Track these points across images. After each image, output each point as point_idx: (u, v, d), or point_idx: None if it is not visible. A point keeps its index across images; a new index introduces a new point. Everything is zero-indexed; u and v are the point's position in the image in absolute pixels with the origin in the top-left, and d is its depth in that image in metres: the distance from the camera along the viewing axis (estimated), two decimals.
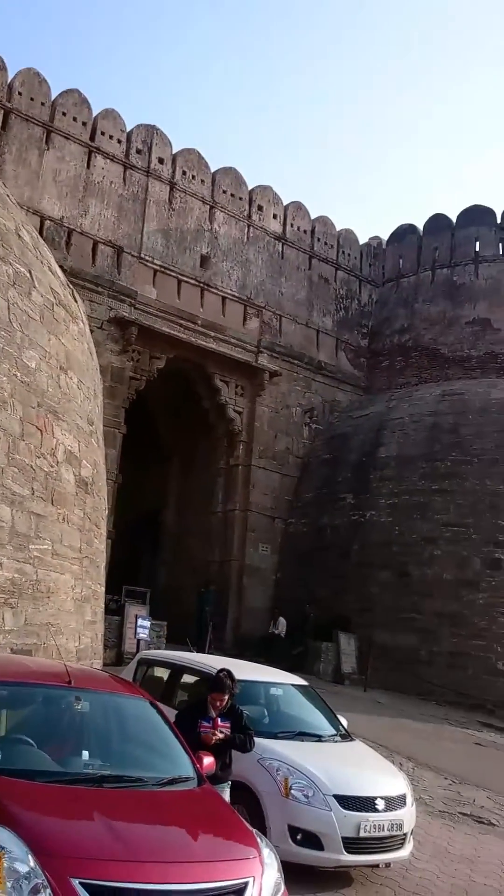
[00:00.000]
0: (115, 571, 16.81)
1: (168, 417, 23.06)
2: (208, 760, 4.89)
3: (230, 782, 5.71)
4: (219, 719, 5.62)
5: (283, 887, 3.89)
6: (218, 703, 5.65)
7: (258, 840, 3.98)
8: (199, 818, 4.05)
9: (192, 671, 7.42)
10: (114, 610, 15.17)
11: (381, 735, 12.12)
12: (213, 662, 7.33)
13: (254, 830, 4.14)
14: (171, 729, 5.00)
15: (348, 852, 6.04)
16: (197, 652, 15.09)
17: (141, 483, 23.96)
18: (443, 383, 21.52)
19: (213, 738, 5.50)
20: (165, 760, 4.70)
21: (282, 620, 18.75)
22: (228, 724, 5.64)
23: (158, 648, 14.54)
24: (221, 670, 6.03)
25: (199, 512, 21.64)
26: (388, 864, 6.58)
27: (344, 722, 7.72)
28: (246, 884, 3.60)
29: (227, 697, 5.69)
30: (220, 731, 5.57)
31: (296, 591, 19.74)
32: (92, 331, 12.61)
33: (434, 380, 22.04)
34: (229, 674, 5.87)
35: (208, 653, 15.81)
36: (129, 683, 6.02)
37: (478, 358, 22.02)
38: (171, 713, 5.72)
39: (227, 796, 5.64)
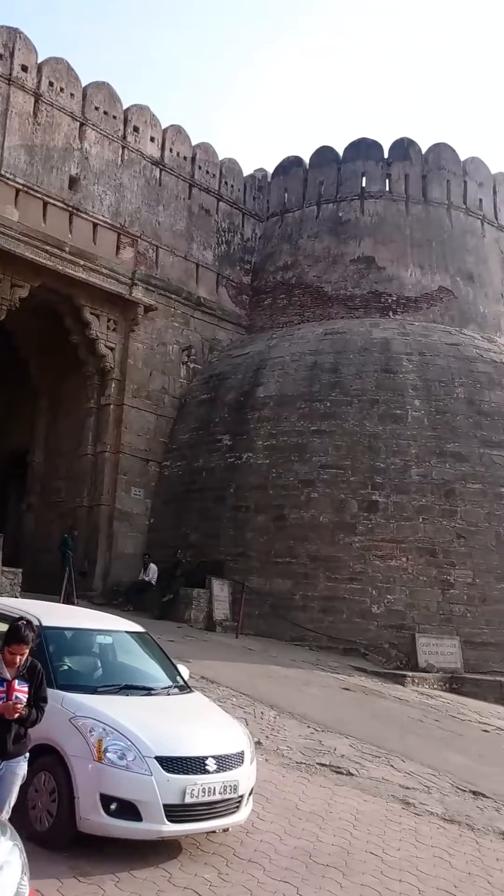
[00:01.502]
0: None
1: (37, 353, 21.52)
2: None
3: (27, 755, 4.75)
4: (16, 682, 4.62)
5: (27, 889, 2.99)
6: (18, 659, 4.64)
7: None
8: None
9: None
10: None
11: (245, 683, 11.48)
12: (27, 608, 6.31)
13: None
14: None
15: (171, 821, 5.24)
16: (63, 602, 14.06)
17: (8, 422, 22.49)
18: (325, 322, 20.78)
19: (14, 711, 4.53)
20: None
21: (152, 567, 17.87)
22: (26, 689, 4.65)
23: (14, 598, 13.40)
24: (20, 618, 5.04)
25: (68, 453, 20.36)
26: (226, 829, 5.83)
27: (184, 672, 6.88)
28: None
29: (26, 652, 4.69)
30: (17, 699, 4.58)
31: (170, 536, 18.86)
32: None
33: (317, 319, 21.27)
34: (29, 623, 4.87)
35: (72, 602, 14.82)
36: None
37: (361, 297, 21.35)
38: None
39: (22, 772, 4.69)
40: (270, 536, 17.50)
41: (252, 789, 5.93)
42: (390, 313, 20.95)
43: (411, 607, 16.53)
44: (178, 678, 6.64)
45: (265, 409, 18.90)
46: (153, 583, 17.74)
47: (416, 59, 67.22)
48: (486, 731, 11.66)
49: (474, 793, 8.48)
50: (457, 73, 68.64)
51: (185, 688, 6.57)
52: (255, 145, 62.43)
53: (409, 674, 14.54)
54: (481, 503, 17.39)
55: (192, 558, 17.91)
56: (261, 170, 24.67)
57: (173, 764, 5.29)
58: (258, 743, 8.62)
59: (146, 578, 17.87)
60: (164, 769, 5.23)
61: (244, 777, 5.68)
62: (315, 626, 16.52)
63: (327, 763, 8.60)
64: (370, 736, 9.98)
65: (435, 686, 14.65)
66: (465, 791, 8.50)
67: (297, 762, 8.40)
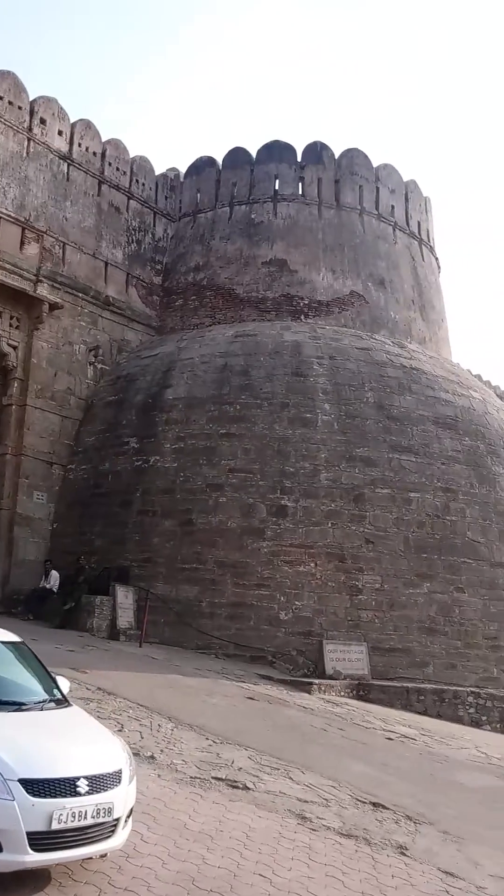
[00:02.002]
0: None
1: None
2: None
3: None
4: None
5: None
6: None
7: None
8: None
9: None
10: None
11: (144, 694, 10.97)
12: None
13: None
14: None
15: (36, 850, 4.70)
16: None
17: None
18: (236, 324, 20.48)
19: None
20: None
21: (54, 574, 17.16)
22: None
23: None
24: None
25: None
26: (103, 855, 5.34)
27: (64, 685, 6.36)
28: None
29: None
30: None
31: (73, 542, 18.19)
32: None
33: (228, 321, 20.95)
34: None
35: None
36: None
37: (273, 300, 21.13)
38: None
39: None
40: (177, 542, 17.03)
41: (132, 810, 5.46)
42: (302, 317, 20.78)
43: (319, 613, 16.30)
44: (56, 691, 6.12)
45: (174, 412, 18.44)
46: (55, 590, 17.03)
47: (332, 65, 68.02)
48: (389, 738, 11.45)
49: (374, 804, 8.19)
50: (369, 81, 69.73)
51: (62, 702, 6.05)
52: (168, 146, 61.99)
53: (316, 681, 14.28)
54: (390, 508, 17.33)
55: (97, 565, 17.27)
56: (173, 169, 24.27)
57: (39, 787, 4.78)
58: (151, 758, 8.18)
59: (47, 586, 17.15)
60: (28, 793, 4.71)
61: (121, 798, 5.21)
62: (222, 633, 16.13)
63: (223, 777, 8.18)
64: (271, 747, 9.61)
65: (342, 693, 14.43)
66: (364, 803, 8.21)
67: (191, 777, 7.95)
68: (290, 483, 17.16)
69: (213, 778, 8.12)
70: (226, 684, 13.03)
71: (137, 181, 22.84)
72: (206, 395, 18.36)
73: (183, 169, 24.21)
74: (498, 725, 14.95)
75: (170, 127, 65.86)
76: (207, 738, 9.59)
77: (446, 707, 14.89)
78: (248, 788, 7.99)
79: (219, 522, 16.92)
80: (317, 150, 22.97)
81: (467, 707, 14.84)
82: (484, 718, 14.90)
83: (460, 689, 15.40)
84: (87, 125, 21.60)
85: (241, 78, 67.48)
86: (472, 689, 15.53)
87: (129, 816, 5.39)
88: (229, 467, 17.36)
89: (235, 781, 8.10)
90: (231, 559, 16.62)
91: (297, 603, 16.30)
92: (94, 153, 21.68)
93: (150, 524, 17.39)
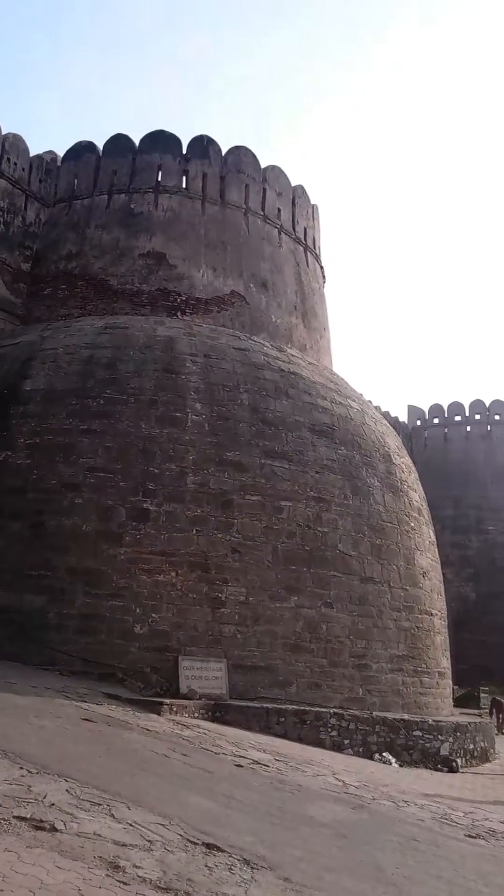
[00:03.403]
0: None
1: None
2: None
3: None
4: None
5: None
6: None
7: None
8: None
9: None
10: None
11: None
12: None
13: None
14: None
15: None
16: None
17: None
18: (107, 317, 19.11)
19: None
20: None
21: None
22: None
23: None
24: None
25: None
26: None
27: None
28: None
29: None
30: None
31: None
32: None
33: (100, 313, 19.54)
34: None
35: None
36: None
37: (149, 293, 19.89)
38: None
39: None
40: (25, 546, 15.43)
41: None
42: (179, 313, 19.62)
43: (178, 627, 15.03)
44: None
45: (31, 404, 16.87)
46: None
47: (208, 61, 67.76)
48: (239, 765, 10.27)
49: (207, 846, 6.97)
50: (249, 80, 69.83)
51: None
52: (48, 130, 59.89)
53: (168, 701, 12.98)
54: (259, 516, 16.30)
55: None
56: (50, 152, 22.78)
57: None
58: None
59: None
60: None
61: None
62: (70, 647, 14.61)
63: (27, 816, 6.78)
64: (97, 777, 8.28)
65: (196, 714, 13.20)
66: (196, 844, 6.98)
67: None
68: (153, 485, 15.88)
69: (14, 818, 6.72)
70: (62, 704, 11.58)
71: (9, 159, 21.22)
72: (68, 388, 16.90)
73: (61, 153, 22.75)
74: (360, 749, 14.05)
75: (51, 111, 63.74)
76: (22, 768, 8.16)
77: (308, 730, 13.88)
78: (56, 830, 6.62)
79: (73, 526, 15.45)
80: (203, 144, 21.99)
81: (329, 730, 13.87)
82: (346, 742, 13.97)
83: (323, 710, 14.43)
84: None
85: (123, 70, 66.25)
86: (335, 710, 14.60)
87: None
88: (88, 466, 15.94)
89: (42, 821, 6.71)
90: (84, 566, 15.16)
91: (153, 615, 14.98)
92: None
93: None
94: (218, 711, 13.60)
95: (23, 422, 16.64)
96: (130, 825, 7.10)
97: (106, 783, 8.13)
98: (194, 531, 15.71)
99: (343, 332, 62.25)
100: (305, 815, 8.62)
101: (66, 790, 7.71)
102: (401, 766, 14.06)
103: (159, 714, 12.40)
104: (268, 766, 10.65)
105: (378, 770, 12.99)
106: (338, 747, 13.81)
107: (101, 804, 7.50)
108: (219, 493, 16.16)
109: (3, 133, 21.16)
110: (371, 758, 13.94)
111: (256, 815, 8.31)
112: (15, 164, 21.40)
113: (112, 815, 7.27)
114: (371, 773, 12.37)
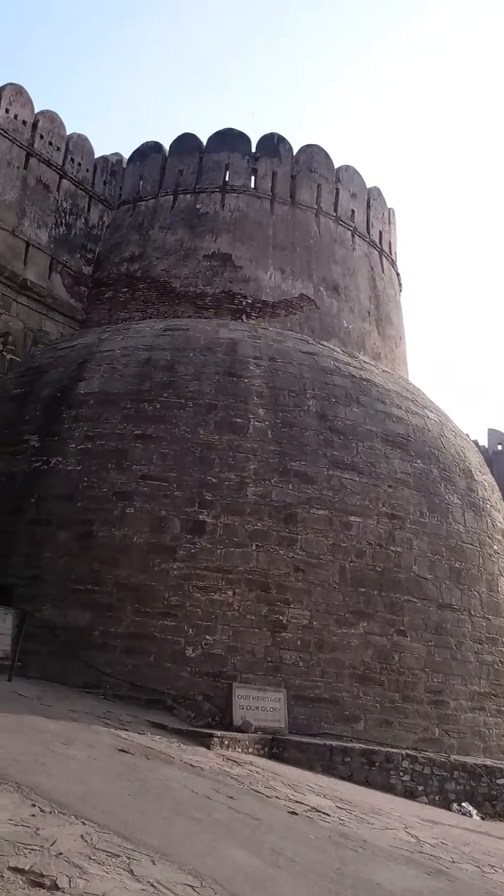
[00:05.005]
0: None
1: None
2: None
3: None
4: None
5: None
6: None
7: None
8: None
9: None
10: None
11: None
12: None
13: None
14: None
15: None
16: None
17: None
18: (168, 319, 18.08)
19: None
20: None
21: None
22: None
23: None
24: None
25: None
26: None
27: None
28: None
29: None
30: None
31: None
32: None
33: (161, 316, 18.55)
34: None
35: None
36: None
37: (213, 296, 18.81)
38: None
39: None
40: (73, 558, 14.31)
41: None
42: (244, 316, 18.46)
43: (234, 651, 13.64)
44: None
45: (84, 408, 15.86)
46: None
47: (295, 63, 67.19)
48: (293, 812, 8.77)
49: None
50: (333, 81, 68.96)
51: None
52: (114, 135, 60.19)
53: (219, 734, 11.56)
54: (326, 532, 14.85)
55: None
56: (116, 154, 22.10)
57: None
58: None
59: None
60: None
61: None
62: (116, 669, 13.36)
63: (27, 868, 5.46)
64: (121, 820, 6.93)
65: (250, 750, 11.76)
66: None
67: None
68: (211, 496, 14.61)
69: (9, 869, 5.42)
70: (98, 731, 10.30)
71: (73, 160, 20.56)
72: (123, 391, 15.84)
73: (127, 155, 22.04)
74: (436, 797, 12.35)
75: (118, 115, 64.04)
76: (34, 805, 6.86)
77: (376, 772, 12.26)
78: (57, 888, 5.27)
79: (123, 537, 14.27)
80: (273, 143, 20.96)
81: (401, 773, 12.22)
82: (420, 788, 12.29)
83: (394, 751, 12.78)
84: (19, 90, 19.33)
85: (193, 72, 66.26)
86: (408, 751, 12.93)
87: None
88: (141, 473, 14.78)
89: (42, 875, 5.37)
90: (134, 581, 13.94)
91: (207, 637, 13.63)
92: (24, 122, 19.36)
93: (43, 535, 14.67)
94: (275, 747, 12.12)
95: (75, 426, 15.63)
96: (152, 885, 5.70)
97: (130, 829, 6.78)
98: (254, 546, 14.35)
99: (420, 347, 60.23)
100: (371, 880, 7.06)
101: (81, 835, 6.37)
102: (482, 818, 12.31)
103: (208, 748, 11.01)
104: (328, 814, 9.13)
105: (457, 823, 11.30)
106: (410, 794, 12.15)
107: (119, 855, 6.12)
108: (282, 506, 14.79)
109: (68, 133, 20.52)
110: (448, 808, 12.23)
111: (309, 878, 6.80)
112: (79, 164, 20.72)
113: (131, 871, 5.87)
114: (449, 827, 10.69)
